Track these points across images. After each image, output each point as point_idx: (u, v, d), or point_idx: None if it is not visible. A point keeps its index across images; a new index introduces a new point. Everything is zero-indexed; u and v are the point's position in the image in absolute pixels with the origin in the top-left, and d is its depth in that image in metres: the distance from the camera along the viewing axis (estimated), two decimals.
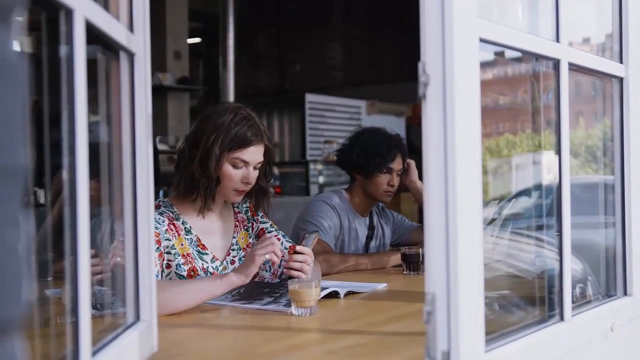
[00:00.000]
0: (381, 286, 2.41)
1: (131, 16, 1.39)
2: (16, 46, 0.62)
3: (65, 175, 1.03)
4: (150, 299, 1.42)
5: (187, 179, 2.25)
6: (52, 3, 0.97)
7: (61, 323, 1.48)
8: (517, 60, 1.75)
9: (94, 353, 1.11)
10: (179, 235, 2.24)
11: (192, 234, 2.27)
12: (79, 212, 1.02)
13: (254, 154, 2.26)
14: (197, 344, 1.72)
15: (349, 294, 2.24)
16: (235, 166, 2.24)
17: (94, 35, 1.14)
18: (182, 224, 2.27)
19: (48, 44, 1.07)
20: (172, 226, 2.22)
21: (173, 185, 2.34)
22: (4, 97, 0.58)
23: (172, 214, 2.27)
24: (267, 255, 2.03)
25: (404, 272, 2.72)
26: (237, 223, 2.43)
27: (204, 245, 2.29)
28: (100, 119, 1.37)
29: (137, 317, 1.40)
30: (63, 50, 1.03)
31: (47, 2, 0.97)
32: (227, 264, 2.34)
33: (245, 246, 2.42)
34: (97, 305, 1.38)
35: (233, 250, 2.38)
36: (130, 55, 1.37)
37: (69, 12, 1.01)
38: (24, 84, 0.62)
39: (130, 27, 1.38)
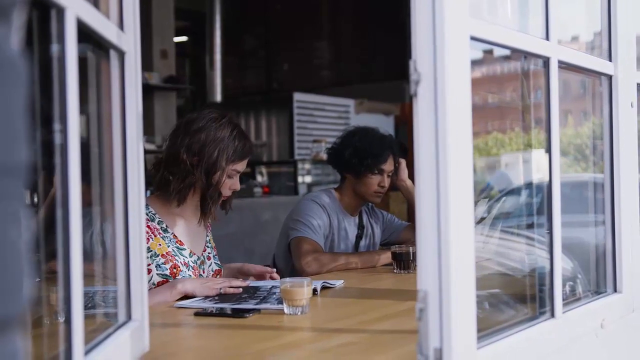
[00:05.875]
0: (338, 283, 2.44)
1: (121, 14, 1.38)
2: (16, 44, 0.62)
3: (56, 175, 1.02)
4: (142, 299, 1.42)
5: (188, 188, 2.33)
6: (43, 1, 0.97)
7: (50, 323, 1.48)
8: (506, 58, 1.75)
9: (86, 352, 1.11)
10: (155, 236, 2.31)
11: (168, 232, 2.36)
12: (71, 212, 1.02)
13: (245, 164, 2.43)
14: (188, 344, 1.72)
15: (324, 288, 2.30)
16: (229, 176, 2.37)
17: (84, 34, 1.13)
18: (158, 223, 2.35)
19: (38, 42, 1.06)
20: (146, 228, 2.25)
21: (157, 187, 2.39)
22: (5, 95, 0.58)
23: (147, 215, 2.31)
24: (221, 290, 2.19)
25: (395, 271, 2.73)
26: (208, 224, 2.56)
27: (181, 241, 2.38)
28: (90, 119, 1.37)
29: (129, 317, 1.39)
30: (54, 48, 1.03)
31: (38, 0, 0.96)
32: (204, 258, 2.46)
33: (213, 246, 2.56)
34: (87, 304, 1.37)
35: (208, 247, 2.51)
36: (121, 54, 1.37)
37: (61, 11, 1.01)
38: (24, 82, 0.62)
39: (121, 26, 1.37)
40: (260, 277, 2.49)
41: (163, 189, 2.35)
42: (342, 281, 2.46)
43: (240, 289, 2.20)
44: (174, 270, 2.29)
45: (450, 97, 1.19)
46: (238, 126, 2.41)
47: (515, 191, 2.35)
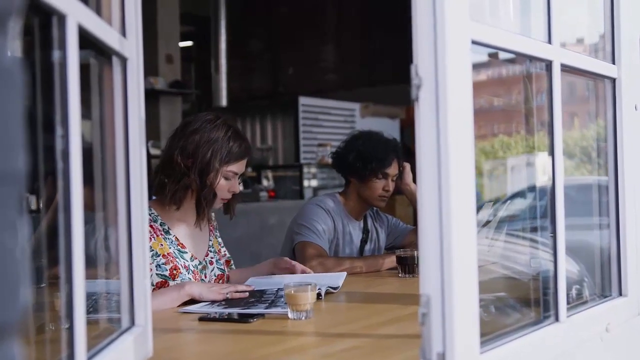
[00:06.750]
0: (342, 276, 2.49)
1: (123, 21, 1.38)
2: (13, 51, 0.63)
3: (58, 181, 1.03)
4: (145, 304, 1.42)
5: (183, 190, 2.33)
6: (44, 8, 0.97)
7: (54, 329, 1.48)
8: (511, 61, 1.75)
9: (89, 358, 1.11)
10: (157, 236, 2.32)
11: (171, 234, 2.36)
12: (73, 218, 1.02)
13: (243, 165, 2.42)
14: (192, 349, 1.72)
15: (328, 293, 2.30)
16: (226, 178, 2.37)
17: (87, 40, 1.13)
18: (161, 225, 2.36)
19: (40, 49, 1.06)
20: (149, 228, 2.25)
21: (156, 191, 2.39)
22: (2, 102, 0.59)
23: (150, 216, 2.32)
24: (228, 295, 2.18)
25: (399, 275, 2.72)
26: (211, 228, 2.56)
27: (182, 244, 2.38)
28: (93, 124, 1.37)
29: (132, 322, 1.39)
30: (56, 55, 1.03)
31: (39, 7, 0.96)
32: (206, 263, 2.45)
33: (217, 250, 2.55)
34: (90, 309, 1.38)
35: (211, 251, 2.50)
36: (123, 60, 1.37)
37: (62, 18, 1.01)
38: (21, 89, 0.62)
39: (123, 32, 1.37)
40: (291, 271, 2.54)
41: (161, 193, 2.35)
42: (345, 273, 2.52)
43: (247, 294, 2.20)
44: (174, 272, 2.29)
45: (451, 101, 1.18)
46: (233, 127, 2.40)
47: (521, 194, 2.35)
